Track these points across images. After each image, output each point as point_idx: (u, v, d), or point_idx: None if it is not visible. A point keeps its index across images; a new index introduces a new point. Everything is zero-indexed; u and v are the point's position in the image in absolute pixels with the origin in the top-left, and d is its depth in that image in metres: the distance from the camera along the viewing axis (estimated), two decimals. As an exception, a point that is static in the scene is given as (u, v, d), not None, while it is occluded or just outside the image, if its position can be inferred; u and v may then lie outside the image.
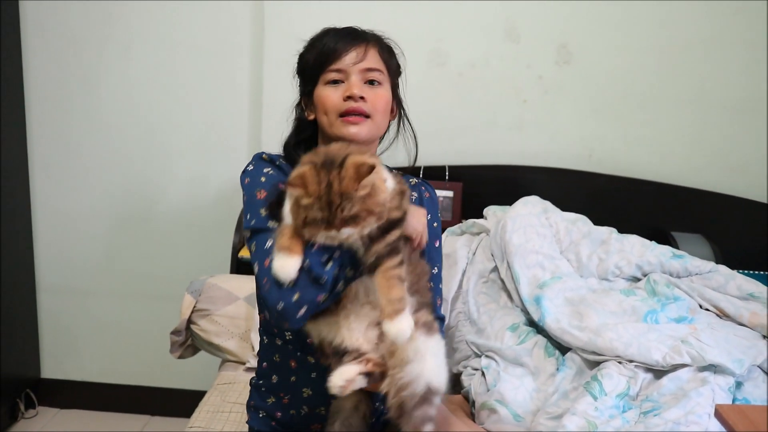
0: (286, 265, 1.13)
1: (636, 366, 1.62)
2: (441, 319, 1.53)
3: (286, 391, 1.44)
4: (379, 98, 1.39)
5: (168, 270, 2.62)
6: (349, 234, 1.11)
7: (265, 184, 1.33)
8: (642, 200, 2.37)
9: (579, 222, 2.07)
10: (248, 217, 1.30)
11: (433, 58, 2.39)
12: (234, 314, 2.07)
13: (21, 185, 2.54)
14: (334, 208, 1.08)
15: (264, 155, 1.41)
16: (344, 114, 1.36)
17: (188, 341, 2.13)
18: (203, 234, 2.58)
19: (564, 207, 2.13)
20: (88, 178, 2.57)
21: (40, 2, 2.42)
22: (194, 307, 2.09)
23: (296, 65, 1.48)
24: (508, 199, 2.12)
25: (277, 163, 1.40)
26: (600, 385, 1.57)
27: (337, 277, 1.19)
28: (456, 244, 2.04)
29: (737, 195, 2.36)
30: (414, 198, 1.50)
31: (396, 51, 1.48)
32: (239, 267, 2.26)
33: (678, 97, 2.37)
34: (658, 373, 1.62)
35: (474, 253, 2.03)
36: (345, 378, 1.18)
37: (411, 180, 1.54)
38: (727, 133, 2.38)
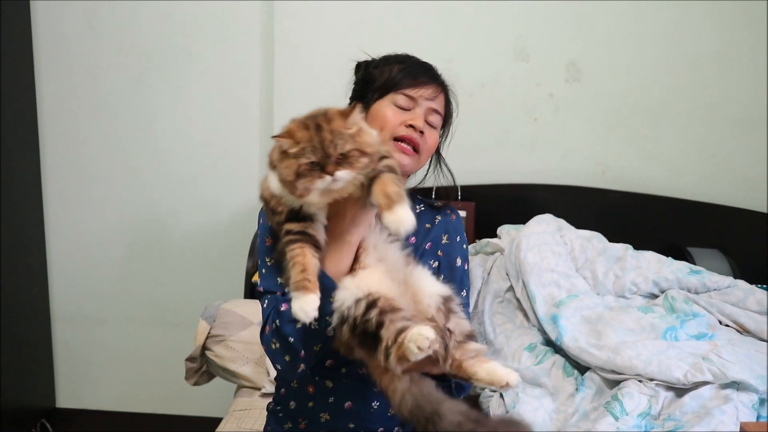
0: (305, 307, 1.08)
1: (657, 384, 1.59)
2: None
3: (304, 416, 1.43)
4: (431, 139, 1.42)
5: (182, 296, 2.62)
6: (346, 179, 1.08)
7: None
8: (656, 216, 2.35)
9: (594, 239, 2.05)
10: (261, 270, 1.31)
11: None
12: (249, 339, 2.06)
13: (35, 214, 2.56)
14: (326, 146, 1.07)
15: None
16: (399, 139, 1.37)
17: (203, 368, 2.12)
18: (217, 259, 2.58)
19: (578, 224, 2.12)
20: (102, 206, 2.58)
21: (53, 33, 2.46)
22: (209, 333, 2.08)
23: (361, 72, 1.48)
24: (521, 218, 2.11)
25: None
26: (621, 405, 1.54)
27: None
28: (470, 264, 2.03)
29: (752, 209, 2.34)
30: (438, 221, 1.49)
31: (453, 105, 1.51)
32: (253, 292, 2.25)
33: (688, 112, 2.36)
34: (680, 391, 1.59)
35: (489, 273, 2.02)
36: (428, 336, 1.05)
37: (436, 203, 1.53)
38: (739, 147, 2.37)
